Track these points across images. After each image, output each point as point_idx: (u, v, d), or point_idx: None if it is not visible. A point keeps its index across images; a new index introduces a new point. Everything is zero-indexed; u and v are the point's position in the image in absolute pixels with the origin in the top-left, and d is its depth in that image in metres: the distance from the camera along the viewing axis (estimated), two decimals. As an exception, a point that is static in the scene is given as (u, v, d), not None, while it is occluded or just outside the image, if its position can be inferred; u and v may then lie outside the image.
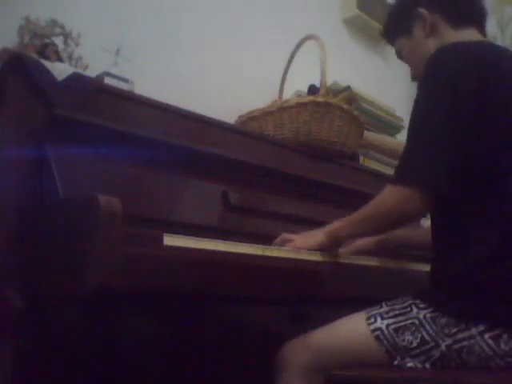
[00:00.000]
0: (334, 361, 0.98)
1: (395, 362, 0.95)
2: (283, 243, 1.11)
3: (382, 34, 1.32)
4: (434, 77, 1.01)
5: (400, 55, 1.26)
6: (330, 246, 1.13)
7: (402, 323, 0.96)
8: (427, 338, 0.93)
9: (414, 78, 1.24)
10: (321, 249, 1.11)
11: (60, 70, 1.04)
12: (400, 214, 1.02)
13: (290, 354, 1.01)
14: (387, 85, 2.40)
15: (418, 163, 0.98)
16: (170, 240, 0.84)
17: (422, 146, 0.98)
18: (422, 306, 0.96)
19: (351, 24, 2.40)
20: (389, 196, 1.02)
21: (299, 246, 1.09)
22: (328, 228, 1.12)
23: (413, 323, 0.95)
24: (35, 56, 1.13)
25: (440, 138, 0.96)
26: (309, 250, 1.09)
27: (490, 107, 0.97)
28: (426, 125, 0.99)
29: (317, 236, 1.12)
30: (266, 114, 1.53)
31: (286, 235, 1.14)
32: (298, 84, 1.81)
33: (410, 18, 1.18)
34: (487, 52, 1.03)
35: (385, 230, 1.18)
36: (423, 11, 1.16)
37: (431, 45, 1.14)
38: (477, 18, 1.16)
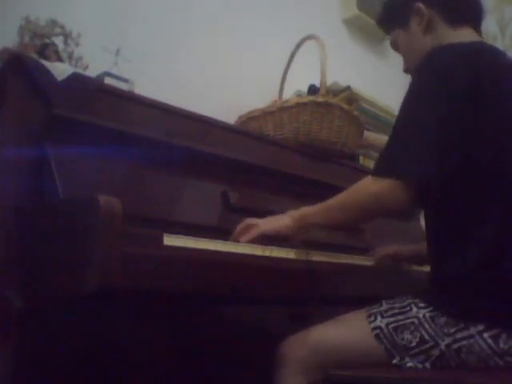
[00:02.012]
0: (332, 358, 0.98)
1: (394, 361, 0.95)
2: (246, 229, 1.06)
3: (377, 23, 1.32)
4: (426, 75, 1.00)
5: (395, 46, 1.26)
6: (297, 232, 1.08)
7: (402, 322, 0.96)
8: (426, 337, 0.93)
9: (406, 70, 1.24)
10: (286, 233, 1.06)
11: (60, 70, 1.04)
12: (378, 205, 0.98)
13: (288, 350, 1.01)
14: (387, 85, 2.40)
15: (403, 157, 0.96)
16: (169, 240, 0.84)
17: (408, 142, 0.97)
18: (421, 305, 0.96)
19: (351, 24, 2.40)
20: (369, 186, 0.99)
21: (263, 230, 1.05)
22: (297, 213, 1.08)
23: (412, 322, 0.95)
24: (35, 56, 1.13)
25: (428, 135, 0.95)
26: (275, 234, 1.05)
27: (486, 107, 0.97)
28: (415, 122, 0.98)
29: (283, 220, 1.07)
30: (266, 113, 1.53)
31: (249, 220, 1.08)
32: (298, 84, 1.81)
33: (407, 10, 1.18)
34: (484, 52, 1.03)
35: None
36: (420, 6, 1.15)
37: (427, 41, 1.14)
38: (474, 18, 1.16)
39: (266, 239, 1.05)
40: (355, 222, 1.14)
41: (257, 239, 1.04)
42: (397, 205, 0.97)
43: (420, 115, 0.98)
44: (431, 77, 0.99)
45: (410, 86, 1.02)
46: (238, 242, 1.03)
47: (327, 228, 1.15)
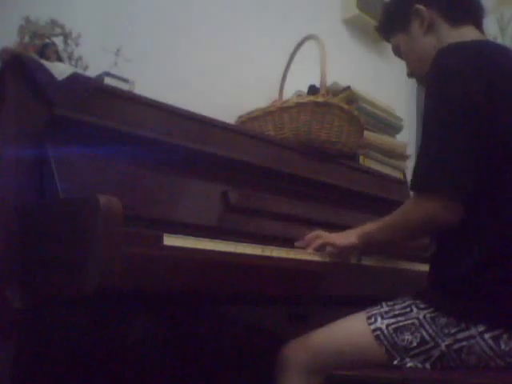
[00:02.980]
0: (334, 361, 0.98)
1: (395, 362, 0.95)
2: (319, 240, 1.12)
3: (377, 30, 1.31)
4: (443, 79, 0.99)
5: (397, 51, 1.24)
6: (361, 250, 1.14)
7: (402, 323, 0.96)
8: (427, 337, 0.93)
9: (410, 74, 1.23)
10: (352, 251, 1.13)
11: (60, 70, 1.05)
12: (433, 224, 0.99)
13: (290, 354, 1.01)
14: (387, 85, 2.40)
15: (445, 172, 0.95)
16: (169, 240, 0.84)
17: (443, 154, 0.95)
18: (421, 306, 0.96)
19: (351, 24, 2.40)
20: (419, 208, 0.99)
21: (338, 243, 1.10)
22: (359, 231, 1.10)
23: (413, 323, 0.95)
24: (35, 56, 1.13)
25: (461, 144, 0.94)
26: (343, 249, 1.11)
27: (496, 109, 0.95)
28: (444, 131, 0.96)
29: (350, 237, 1.10)
30: (266, 113, 1.53)
31: (319, 232, 1.14)
32: (298, 84, 1.81)
33: (407, 14, 1.17)
34: (491, 51, 1.03)
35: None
36: (421, 8, 1.14)
37: (429, 42, 1.13)
38: (474, 15, 1.15)
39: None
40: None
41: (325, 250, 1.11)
42: (451, 222, 0.97)
43: (446, 126, 0.96)
44: (446, 82, 0.98)
45: (427, 93, 1.02)
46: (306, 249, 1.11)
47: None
